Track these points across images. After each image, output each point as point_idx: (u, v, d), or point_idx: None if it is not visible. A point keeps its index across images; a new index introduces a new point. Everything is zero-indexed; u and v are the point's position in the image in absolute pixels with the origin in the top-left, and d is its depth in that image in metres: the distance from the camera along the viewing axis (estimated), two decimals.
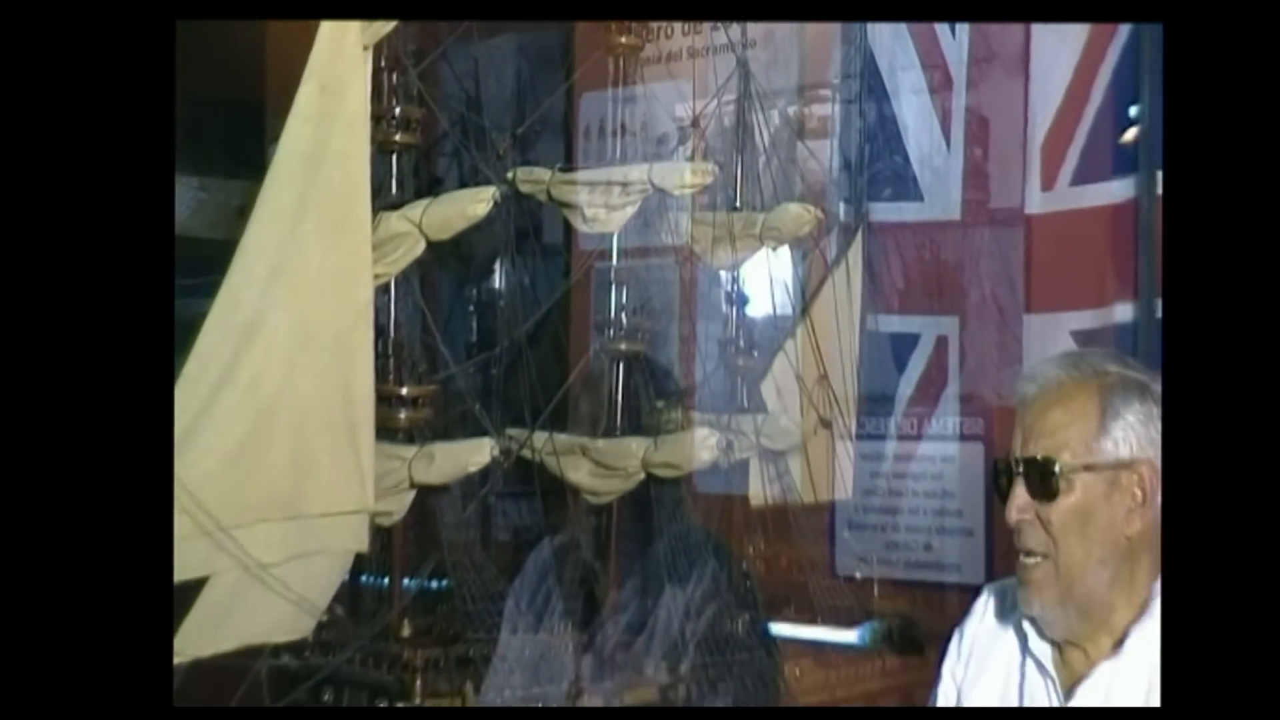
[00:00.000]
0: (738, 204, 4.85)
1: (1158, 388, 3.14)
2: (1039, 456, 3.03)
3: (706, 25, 5.22)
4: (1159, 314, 4.28)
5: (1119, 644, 3.07)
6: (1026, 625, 3.21)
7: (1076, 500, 3.03)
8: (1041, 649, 3.17)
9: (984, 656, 3.34)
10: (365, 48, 3.95)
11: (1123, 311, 4.53)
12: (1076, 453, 3.01)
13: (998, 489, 3.12)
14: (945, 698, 3.44)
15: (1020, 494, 3.04)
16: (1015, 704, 3.27)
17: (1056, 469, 3.01)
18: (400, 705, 4.00)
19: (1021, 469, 3.06)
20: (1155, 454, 3.06)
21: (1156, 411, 3.11)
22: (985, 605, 3.41)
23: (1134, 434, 3.07)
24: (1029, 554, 3.06)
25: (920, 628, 5.03)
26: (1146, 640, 3.06)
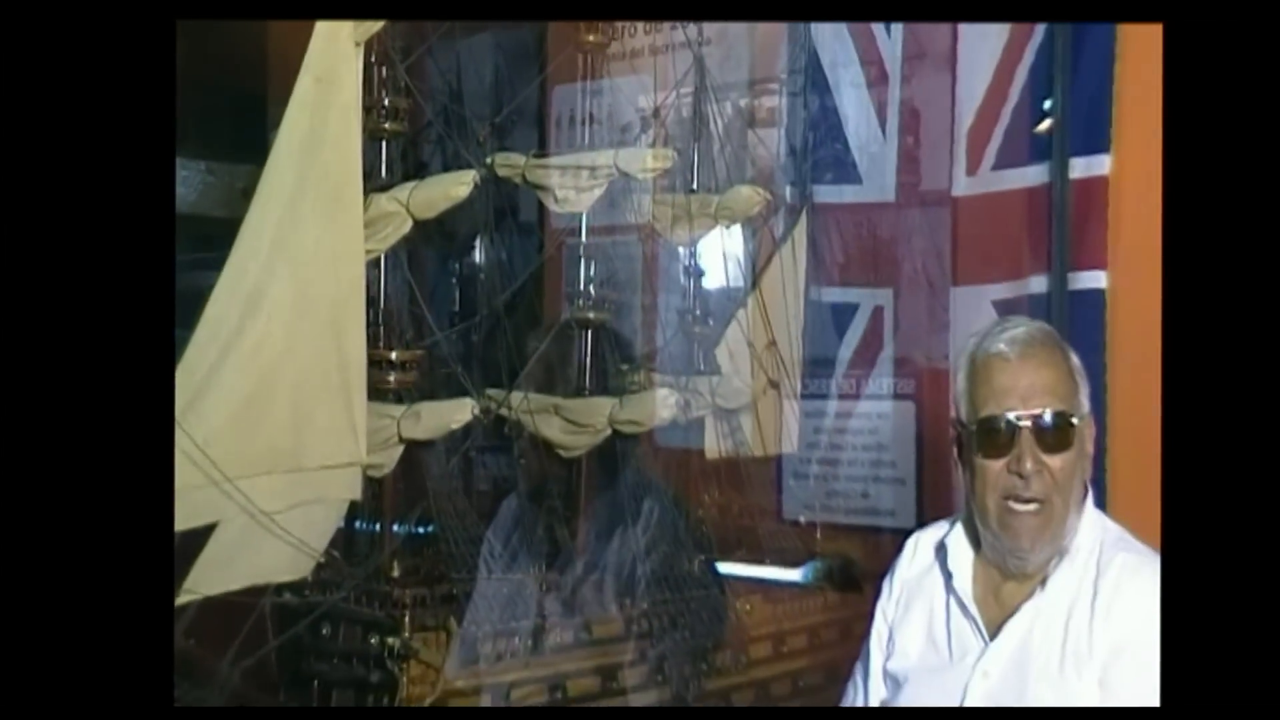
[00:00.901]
0: (694, 186, 4.89)
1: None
2: (1053, 411, 3.03)
3: (666, 24, 5.22)
4: (1069, 286, 4.32)
5: (1044, 581, 3.10)
6: (952, 565, 3.24)
7: (1076, 450, 3.06)
8: (965, 589, 3.21)
9: (912, 598, 3.39)
10: (357, 44, 4.00)
11: (1037, 284, 4.56)
12: (1074, 407, 3.06)
13: (984, 445, 3.10)
14: (878, 635, 3.49)
15: (1031, 448, 3.05)
16: (943, 642, 3.28)
17: (1073, 421, 3.03)
18: (398, 679, 3.95)
19: (1027, 424, 3.05)
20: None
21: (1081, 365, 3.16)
22: (913, 551, 3.46)
23: (1087, 388, 3.11)
24: (1028, 501, 3.06)
25: (857, 567, 5.08)
26: (1064, 580, 3.09)
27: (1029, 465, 3.05)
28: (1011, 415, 3.06)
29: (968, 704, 3.18)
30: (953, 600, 3.27)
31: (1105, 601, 3.04)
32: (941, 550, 3.32)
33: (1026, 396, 3.06)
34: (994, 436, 3.08)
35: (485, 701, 4.11)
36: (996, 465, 3.06)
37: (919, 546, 3.48)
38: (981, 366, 3.11)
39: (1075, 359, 3.17)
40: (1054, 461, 3.06)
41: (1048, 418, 3.05)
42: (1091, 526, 3.17)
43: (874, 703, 3.47)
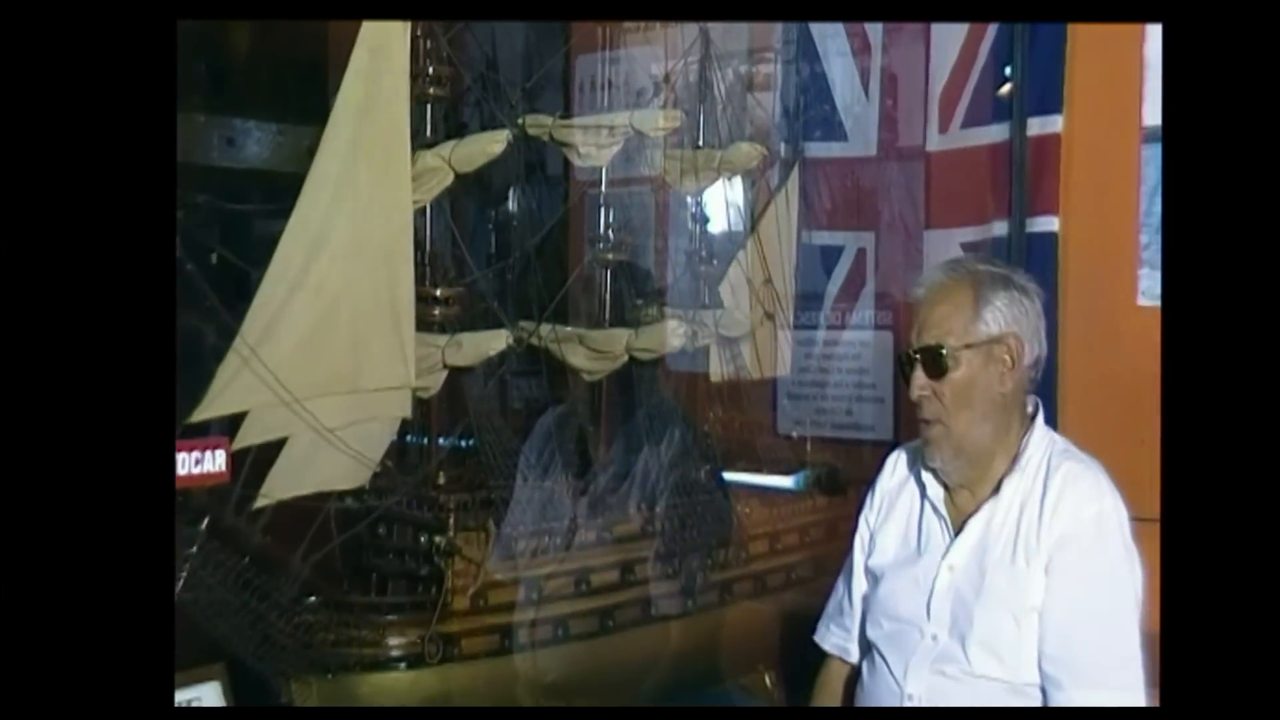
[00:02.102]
0: (700, 143, 4.89)
1: (1018, 278, 3.21)
2: (930, 344, 3.11)
3: None
4: (1026, 230, 4.34)
5: (997, 489, 3.14)
6: (925, 477, 3.30)
7: (962, 374, 3.13)
8: (936, 496, 3.27)
9: (891, 504, 3.46)
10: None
11: (999, 228, 4.57)
12: (959, 336, 3.10)
13: (902, 374, 3.22)
14: (861, 539, 3.57)
15: (919, 375, 3.15)
16: (915, 540, 3.34)
17: (944, 351, 3.09)
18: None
19: (918, 355, 3.13)
20: (1019, 328, 3.15)
21: (1018, 295, 3.18)
22: (894, 464, 3.52)
23: (1001, 315, 3.16)
24: (928, 421, 3.15)
25: (842, 474, 5.11)
26: (1016, 486, 3.14)
27: (915, 391, 3.18)
28: (908, 349, 3.19)
29: (936, 592, 3.24)
30: (926, 504, 3.34)
31: (1052, 501, 3.10)
32: (916, 464, 3.38)
33: (920, 331, 3.18)
34: (902, 368, 3.24)
35: (520, 593, 4.14)
36: (908, 391, 3.21)
37: (898, 462, 3.54)
38: (910, 308, 3.25)
39: (990, 289, 3.20)
40: (940, 386, 3.16)
41: (926, 349, 3.15)
42: (1041, 440, 3.24)
43: (857, 596, 3.54)
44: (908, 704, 3.23)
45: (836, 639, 3.55)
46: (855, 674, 3.54)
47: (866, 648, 3.44)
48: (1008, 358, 3.18)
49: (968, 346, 3.15)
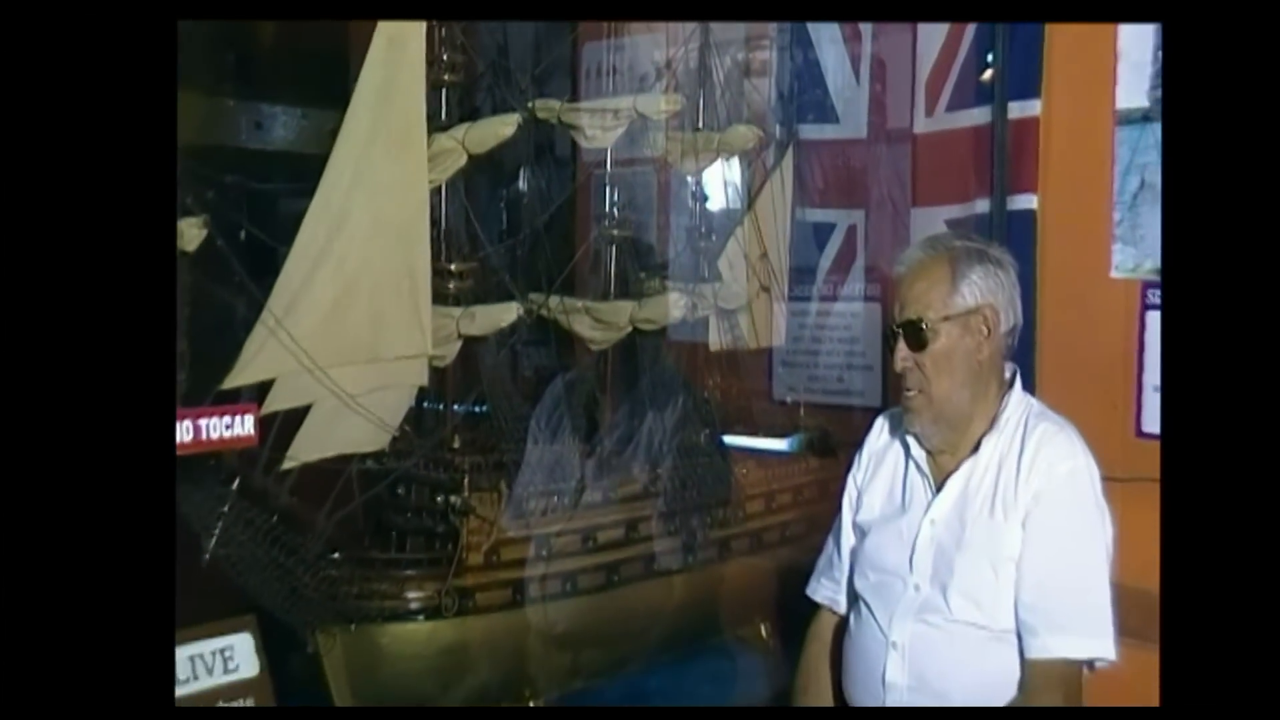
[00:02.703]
0: (700, 126, 4.88)
1: (994, 252, 3.23)
2: (911, 318, 3.13)
3: None
4: (1007, 208, 4.34)
5: (976, 449, 3.16)
6: (909, 440, 3.31)
7: (941, 345, 3.15)
8: (920, 456, 3.29)
9: (879, 464, 3.49)
10: None
11: (982, 205, 4.58)
12: (937, 310, 3.12)
13: (886, 346, 3.21)
14: (849, 497, 3.61)
15: (901, 348, 3.18)
16: (900, 497, 3.36)
17: (924, 325, 3.11)
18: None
19: (900, 330, 3.16)
20: (994, 299, 3.17)
21: (993, 268, 3.20)
22: (880, 428, 3.55)
23: (977, 288, 3.18)
24: (909, 390, 3.17)
25: (833, 437, 5.13)
26: (994, 445, 3.16)
27: (898, 363, 3.21)
28: (892, 324, 3.22)
29: (919, 545, 3.27)
30: (910, 464, 3.36)
31: (1028, 460, 3.13)
32: (901, 427, 3.40)
33: (902, 307, 3.21)
34: (887, 341, 3.24)
35: (531, 549, 4.17)
36: (892, 363, 3.23)
37: (884, 425, 3.57)
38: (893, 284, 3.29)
39: (966, 263, 3.22)
40: (921, 358, 3.19)
41: (908, 323, 3.17)
42: (1018, 403, 3.27)
43: (845, 551, 3.56)
44: (892, 651, 3.26)
45: (827, 591, 3.58)
46: (844, 624, 3.57)
47: (854, 599, 3.47)
48: (984, 328, 3.21)
49: (946, 319, 3.18)
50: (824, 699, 3.55)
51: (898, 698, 3.24)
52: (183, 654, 3.30)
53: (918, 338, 3.18)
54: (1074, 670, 3.10)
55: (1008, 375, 3.31)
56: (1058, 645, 3.07)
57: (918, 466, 3.34)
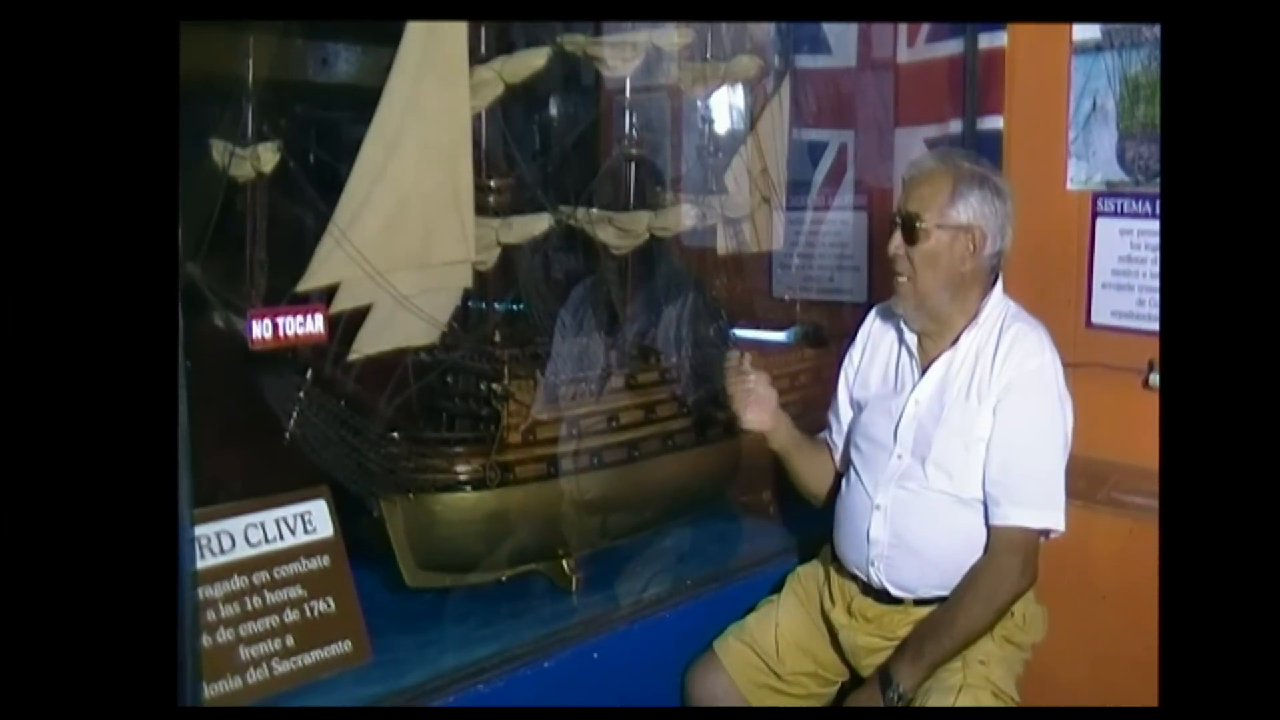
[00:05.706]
0: (708, 56, 4.83)
1: (994, 180, 3.28)
2: (910, 211, 3.19)
3: None
4: (977, 128, 4.38)
5: (955, 340, 3.26)
6: (902, 326, 3.40)
7: (930, 245, 3.21)
8: (911, 342, 3.38)
9: (875, 348, 3.57)
10: None
11: (955, 126, 4.63)
12: (933, 215, 3.18)
13: (888, 230, 3.26)
14: (845, 376, 3.66)
15: (897, 236, 3.23)
16: (892, 378, 3.45)
17: (919, 223, 3.17)
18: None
19: (899, 219, 3.22)
20: (985, 224, 3.21)
21: (990, 195, 3.25)
22: (874, 317, 3.61)
23: (971, 209, 3.23)
24: (899, 275, 3.25)
25: (825, 330, 5.15)
26: (973, 339, 3.25)
27: (891, 248, 3.27)
28: (896, 210, 3.28)
29: (903, 421, 3.37)
30: (903, 349, 3.44)
31: (1003, 354, 3.21)
32: (895, 316, 3.48)
33: (904, 202, 3.26)
34: (888, 228, 3.30)
35: (562, 429, 4.20)
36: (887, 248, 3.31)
37: (877, 314, 3.65)
38: (882, 194, 3.38)
39: (967, 185, 3.26)
40: (911, 251, 3.25)
41: (906, 215, 3.23)
42: (997, 304, 3.34)
43: (843, 421, 3.67)
44: (876, 512, 3.37)
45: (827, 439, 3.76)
46: (836, 486, 3.68)
47: (847, 465, 3.58)
48: (971, 245, 3.27)
49: (939, 226, 3.25)
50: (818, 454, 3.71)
51: (880, 552, 3.37)
52: (270, 517, 3.45)
53: (912, 232, 3.25)
54: (1031, 536, 3.22)
55: (991, 281, 3.39)
56: (1018, 515, 3.18)
57: (909, 352, 3.43)
